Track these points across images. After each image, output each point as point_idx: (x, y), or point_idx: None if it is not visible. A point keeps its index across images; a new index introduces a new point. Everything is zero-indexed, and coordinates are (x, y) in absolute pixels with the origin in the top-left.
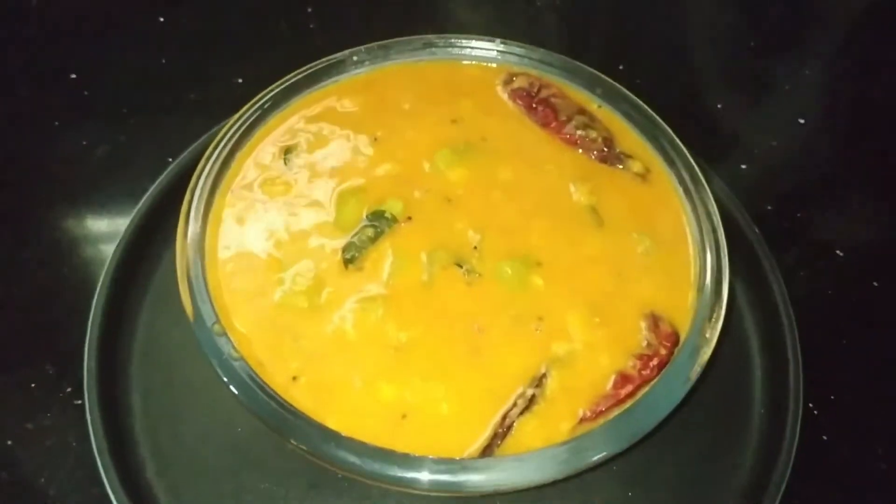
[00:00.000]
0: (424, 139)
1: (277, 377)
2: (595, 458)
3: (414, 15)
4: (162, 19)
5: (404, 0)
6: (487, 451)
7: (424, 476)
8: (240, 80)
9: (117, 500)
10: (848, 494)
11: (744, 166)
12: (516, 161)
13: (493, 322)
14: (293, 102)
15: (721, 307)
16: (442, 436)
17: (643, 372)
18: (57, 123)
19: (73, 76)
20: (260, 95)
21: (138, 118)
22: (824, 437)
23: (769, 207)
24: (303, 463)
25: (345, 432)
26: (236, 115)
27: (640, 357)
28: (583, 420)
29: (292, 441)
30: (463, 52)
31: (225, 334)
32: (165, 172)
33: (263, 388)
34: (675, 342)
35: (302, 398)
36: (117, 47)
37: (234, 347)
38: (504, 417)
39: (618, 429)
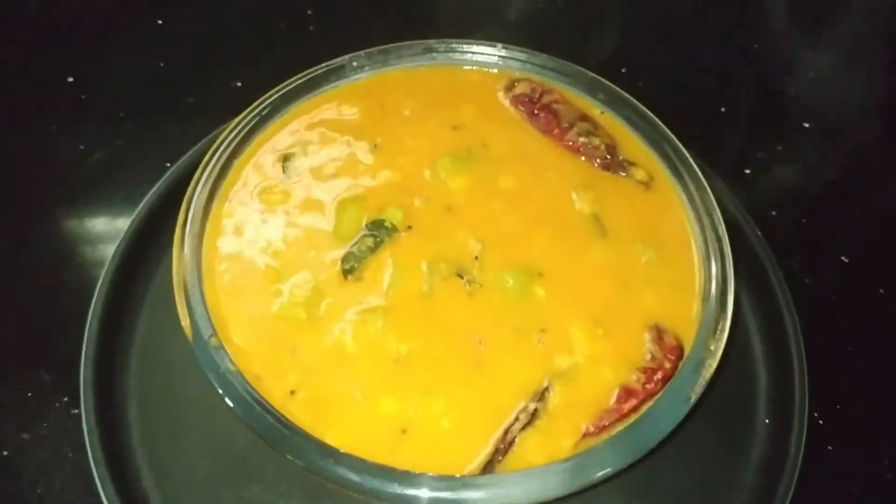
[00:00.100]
0: (425, 146)
1: (275, 391)
2: (598, 474)
3: (414, 16)
4: (160, 22)
5: (404, 1)
6: (488, 467)
7: (424, 493)
8: (239, 84)
9: None
10: None
11: (747, 171)
12: (518, 169)
13: (494, 334)
14: (292, 109)
15: (726, 319)
16: (442, 451)
17: (647, 386)
18: (54, 127)
19: (71, 79)
20: (258, 102)
21: (136, 122)
22: (830, 448)
23: (773, 213)
24: (302, 474)
25: (343, 448)
26: (234, 122)
27: (644, 370)
28: (586, 435)
29: (289, 457)
30: (464, 58)
31: (222, 347)
32: (164, 177)
33: (260, 402)
34: (680, 355)
35: (300, 413)
36: (115, 50)
37: (230, 361)
38: (506, 432)
39: (621, 444)
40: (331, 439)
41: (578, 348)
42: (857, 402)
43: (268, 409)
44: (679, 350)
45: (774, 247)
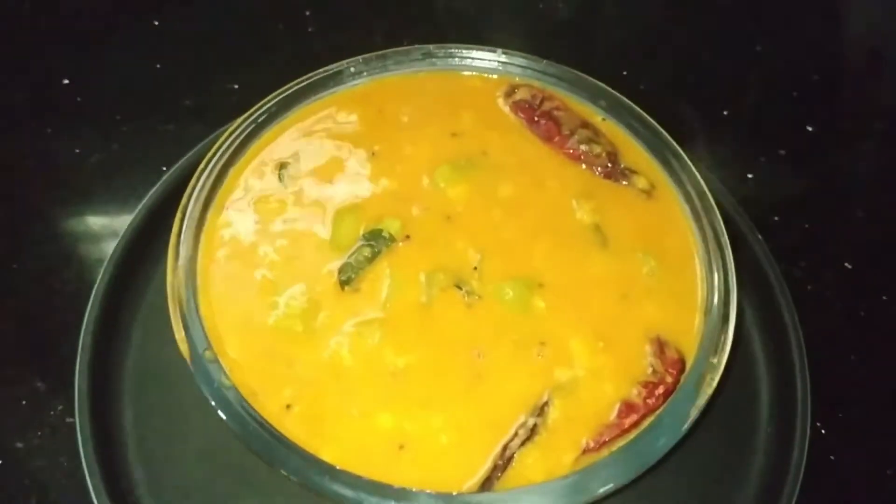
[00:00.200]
0: (423, 154)
1: (270, 406)
2: (599, 491)
3: (413, 19)
4: (156, 23)
5: (403, 3)
6: (487, 484)
7: None
8: (236, 86)
9: None
10: None
11: (750, 175)
12: (518, 177)
13: (493, 347)
14: (288, 115)
15: (728, 331)
16: (440, 468)
17: (648, 401)
18: (49, 130)
19: (66, 82)
20: (254, 108)
21: (132, 125)
22: (832, 457)
23: (776, 218)
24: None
25: (339, 464)
26: (229, 129)
27: (646, 385)
28: (586, 451)
29: (284, 473)
30: (463, 63)
31: (217, 361)
32: (160, 182)
33: (256, 417)
34: (682, 369)
35: (295, 428)
36: (111, 52)
37: (225, 375)
38: (504, 448)
39: (622, 461)
40: (327, 454)
41: (579, 361)
42: (861, 410)
43: (263, 425)
44: (681, 364)
45: (777, 253)
